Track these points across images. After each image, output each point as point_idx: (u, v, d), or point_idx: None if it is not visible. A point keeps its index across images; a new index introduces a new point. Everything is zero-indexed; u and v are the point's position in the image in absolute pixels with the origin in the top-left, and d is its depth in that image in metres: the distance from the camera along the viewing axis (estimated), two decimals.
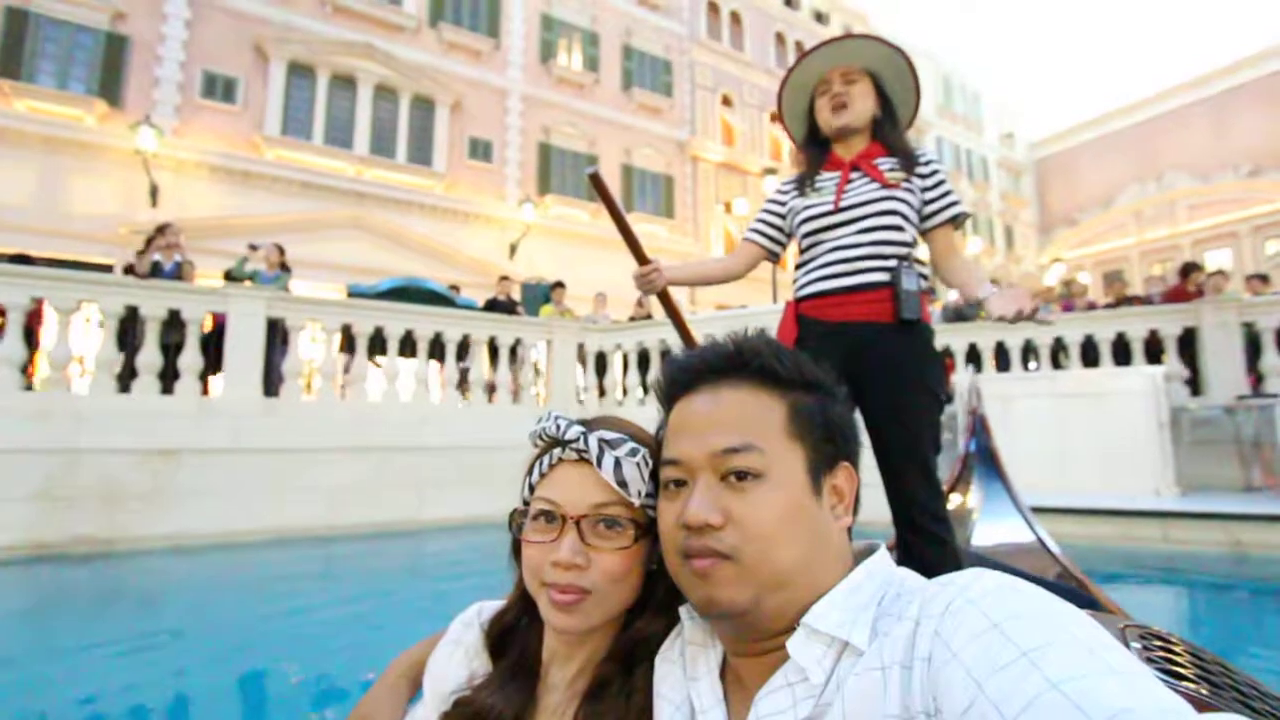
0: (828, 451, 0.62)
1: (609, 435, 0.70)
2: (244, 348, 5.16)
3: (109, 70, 11.36)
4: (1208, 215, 22.56)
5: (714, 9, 19.09)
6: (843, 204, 1.61)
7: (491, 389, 6.44)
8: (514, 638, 0.76)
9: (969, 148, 25.30)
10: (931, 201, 1.65)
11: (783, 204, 1.77)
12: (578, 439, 0.69)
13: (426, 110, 14.24)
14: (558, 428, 0.71)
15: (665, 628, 0.71)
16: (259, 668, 2.75)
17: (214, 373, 5.25)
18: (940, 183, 1.65)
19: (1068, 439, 5.53)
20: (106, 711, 2.28)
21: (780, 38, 20.33)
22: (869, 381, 1.52)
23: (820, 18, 21.79)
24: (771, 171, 13.52)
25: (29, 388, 4.60)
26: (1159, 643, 0.72)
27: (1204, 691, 0.62)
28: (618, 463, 0.67)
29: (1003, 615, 0.44)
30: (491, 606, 0.81)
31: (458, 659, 0.77)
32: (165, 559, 4.57)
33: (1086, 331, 6.35)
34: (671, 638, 0.70)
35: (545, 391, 6.90)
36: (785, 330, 1.65)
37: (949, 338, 6.99)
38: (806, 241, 1.69)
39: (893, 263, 1.58)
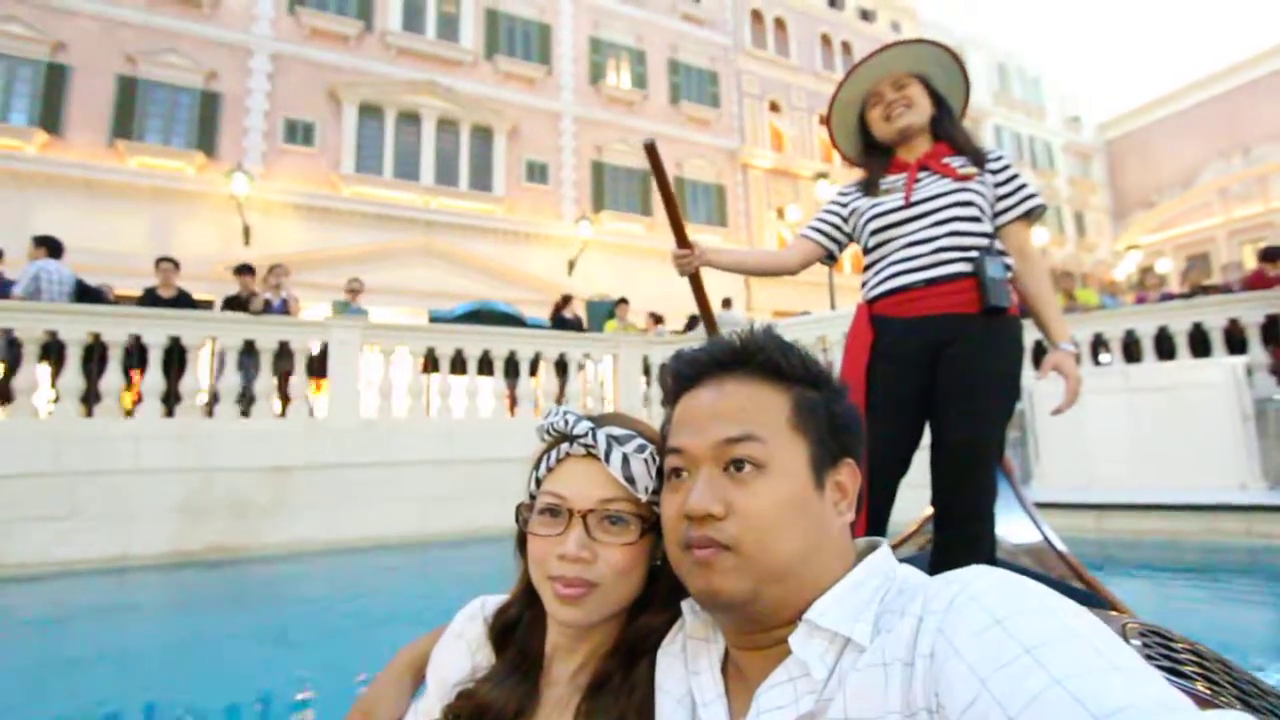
0: (831, 447, 0.63)
1: (617, 431, 0.71)
2: (344, 372, 5.72)
3: (205, 124, 12.53)
4: None
5: (757, 17, 19.22)
6: (914, 199, 1.56)
7: (560, 403, 6.82)
8: (517, 631, 0.77)
9: (1030, 134, 24.36)
10: (1005, 197, 1.58)
11: (845, 204, 1.72)
12: (586, 434, 0.70)
13: (485, 138, 14.98)
14: (566, 422, 0.72)
15: (668, 623, 0.71)
16: (366, 656, 3.09)
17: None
18: (1013, 176, 1.59)
19: (1143, 434, 5.43)
20: (245, 688, 2.66)
21: (826, 39, 20.25)
22: (947, 376, 1.47)
23: (866, 16, 21.55)
24: (823, 175, 13.49)
25: (170, 414, 5.26)
26: (1159, 639, 0.73)
27: (1202, 688, 0.62)
28: (625, 459, 0.68)
29: (1006, 612, 0.44)
30: (495, 600, 0.81)
31: (461, 652, 0.78)
32: (285, 564, 5.10)
33: (1160, 323, 6.19)
34: (673, 631, 0.70)
35: (613, 403, 7.23)
36: (859, 333, 1.60)
37: None
38: (875, 240, 1.63)
39: (974, 253, 1.51)
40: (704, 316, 1.62)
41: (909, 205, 1.56)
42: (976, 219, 1.53)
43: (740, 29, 18.71)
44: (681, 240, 1.54)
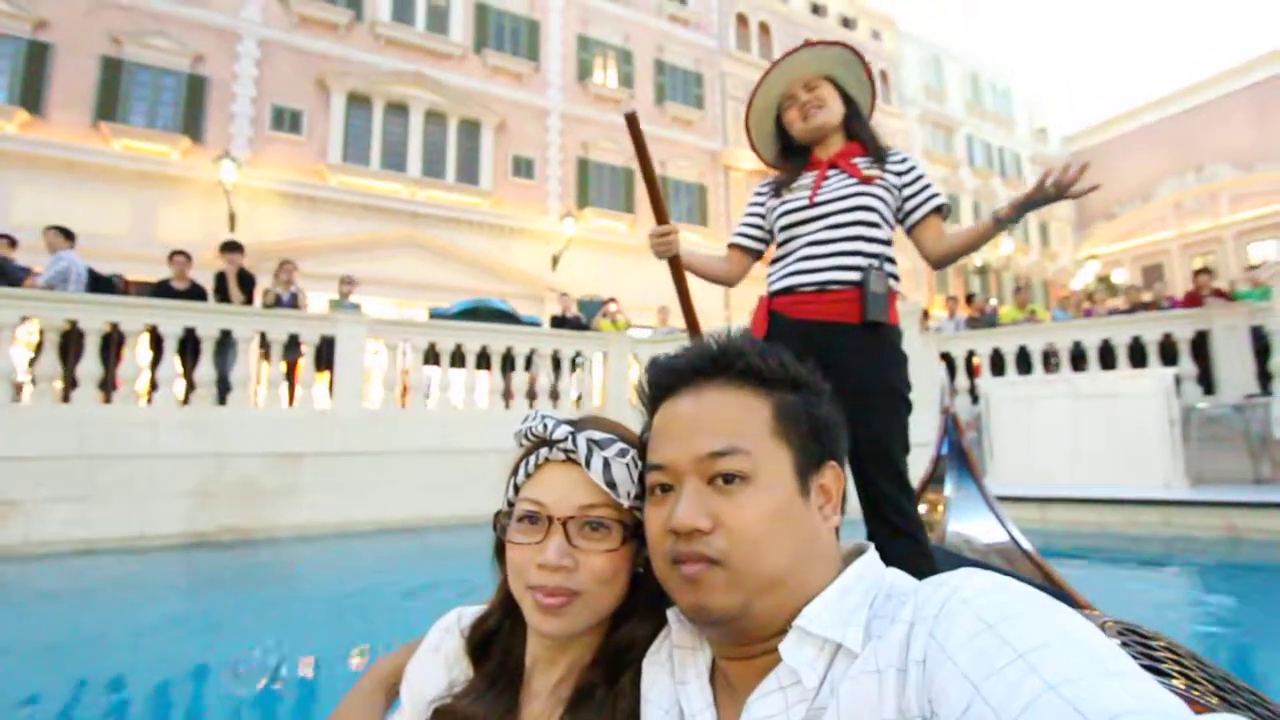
0: (814, 451, 0.62)
1: (597, 435, 0.69)
2: (350, 364, 6.00)
3: (191, 109, 12.47)
4: (1252, 206, 22.19)
5: (743, 20, 19.63)
6: (818, 199, 1.64)
7: (555, 396, 7.19)
8: (495, 643, 0.75)
9: (1000, 145, 25.30)
10: (911, 197, 1.66)
11: (761, 204, 1.81)
12: (566, 439, 0.68)
13: (473, 132, 15.13)
14: (545, 427, 0.69)
15: (651, 632, 0.69)
16: (373, 630, 3.30)
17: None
18: (918, 177, 1.66)
19: (1085, 436, 6.02)
20: (256, 659, 2.84)
21: (809, 46, 20.71)
22: (834, 381, 1.58)
23: (847, 23, 22.13)
24: None
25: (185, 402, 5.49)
26: (1136, 638, 0.73)
27: (1181, 685, 0.63)
28: (606, 463, 0.67)
29: (997, 616, 0.44)
30: (471, 612, 0.79)
31: (437, 666, 0.75)
32: (293, 546, 5.39)
33: (1104, 336, 6.80)
34: (659, 640, 0.68)
35: (602, 399, 7.62)
36: (757, 325, 1.68)
37: (973, 343, 7.49)
38: (783, 236, 1.72)
39: (864, 262, 1.59)
40: (684, 307, 1.61)
41: (812, 205, 1.64)
42: (875, 224, 1.61)
43: (725, 32, 19.11)
44: (661, 218, 1.51)
